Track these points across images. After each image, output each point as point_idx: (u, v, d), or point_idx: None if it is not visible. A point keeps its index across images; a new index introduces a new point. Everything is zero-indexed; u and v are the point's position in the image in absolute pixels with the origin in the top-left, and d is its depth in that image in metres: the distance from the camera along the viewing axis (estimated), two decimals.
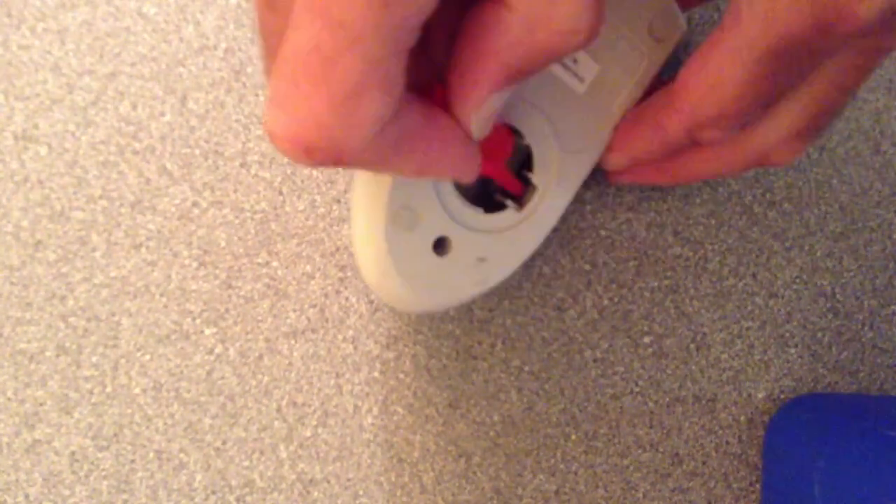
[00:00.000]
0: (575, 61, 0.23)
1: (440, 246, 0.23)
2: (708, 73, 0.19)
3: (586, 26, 0.15)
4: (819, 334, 0.30)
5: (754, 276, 0.30)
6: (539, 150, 0.23)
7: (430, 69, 0.18)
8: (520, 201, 0.24)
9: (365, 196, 0.22)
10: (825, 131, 0.22)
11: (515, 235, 0.24)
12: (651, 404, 0.29)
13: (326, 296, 0.28)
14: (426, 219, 0.22)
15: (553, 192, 0.24)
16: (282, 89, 0.14)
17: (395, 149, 0.16)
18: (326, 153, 0.15)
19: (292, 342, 0.28)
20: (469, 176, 0.19)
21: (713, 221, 0.29)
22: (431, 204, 0.22)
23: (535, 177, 0.24)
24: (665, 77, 0.24)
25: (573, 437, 0.29)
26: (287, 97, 0.14)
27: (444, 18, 0.17)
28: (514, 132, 0.23)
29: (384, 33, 0.13)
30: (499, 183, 0.23)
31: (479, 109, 0.17)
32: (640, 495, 0.29)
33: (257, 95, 0.27)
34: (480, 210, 0.23)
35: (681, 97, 0.21)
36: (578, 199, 0.29)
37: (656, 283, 0.29)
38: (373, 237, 0.22)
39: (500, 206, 0.24)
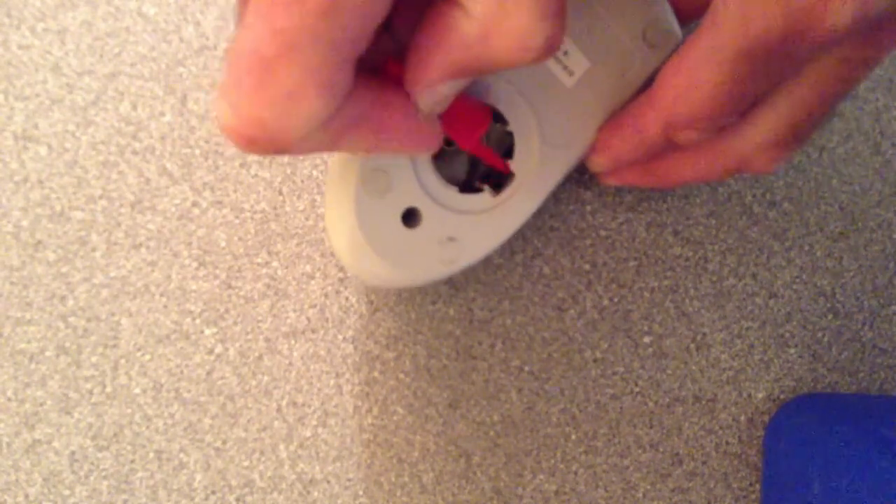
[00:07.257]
0: (566, 53, 0.23)
1: (410, 217, 0.23)
2: (684, 74, 0.19)
3: (539, 44, 0.15)
4: (819, 334, 0.30)
5: (754, 276, 0.30)
6: (521, 139, 0.24)
7: (390, 47, 0.18)
8: (496, 186, 0.24)
9: (340, 156, 0.22)
10: (805, 141, 0.22)
11: (488, 220, 0.24)
12: (651, 404, 0.29)
13: (326, 296, 0.28)
14: (398, 187, 0.22)
15: (531, 183, 0.24)
16: (228, 82, 0.15)
17: (341, 133, 0.16)
18: (268, 145, 0.15)
19: (292, 342, 0.28)
20: (427, 151, 0.19)
21: (713, 221, 0.29)
22: (405, 173, 0.22)
23: (514, 165, 0.24)
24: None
25: (573, 437, 0.29)
26: (232, 90, 0.15)
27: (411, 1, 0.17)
28: (499, 118, 0.23)
29: (323, 43, 0.14)
30: (480, 158, 0.23)
31: (429, 91, 0.17)
32: (640, 495, 0.29)
33: None
34: (454, 188, 0.23)
35: (658, 97, 0.21)
36: (578, 200, 0.29)
37: (656, 283, 0.29)
38: (343, 198, 0.22)
39: (477, 191, 0.24)
